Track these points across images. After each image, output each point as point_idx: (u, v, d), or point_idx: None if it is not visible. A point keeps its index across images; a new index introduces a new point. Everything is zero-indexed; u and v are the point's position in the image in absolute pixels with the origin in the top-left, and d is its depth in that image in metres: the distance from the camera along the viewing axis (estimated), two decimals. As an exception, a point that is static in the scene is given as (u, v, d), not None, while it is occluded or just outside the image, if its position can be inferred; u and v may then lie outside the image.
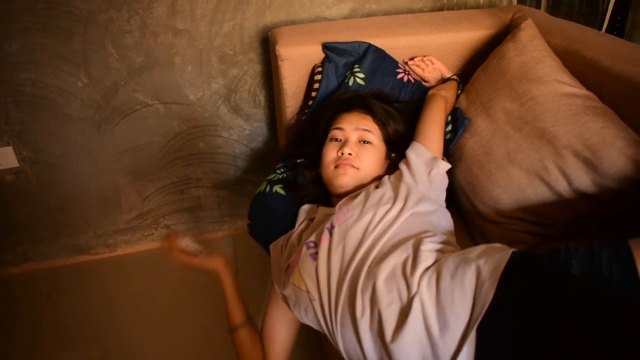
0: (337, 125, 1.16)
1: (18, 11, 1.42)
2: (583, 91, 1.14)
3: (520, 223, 1.15)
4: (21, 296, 1.80)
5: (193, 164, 1.84)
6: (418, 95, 1.39)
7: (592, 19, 1.78)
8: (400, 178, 1.06)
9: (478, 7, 1.77)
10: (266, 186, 1.27)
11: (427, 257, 0.85)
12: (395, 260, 0.86)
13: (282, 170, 1.30)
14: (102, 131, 1.68)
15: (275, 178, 1.28)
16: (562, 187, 1.10)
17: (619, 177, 1.04)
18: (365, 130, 1.14)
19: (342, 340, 0.87)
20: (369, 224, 0.93)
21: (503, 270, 0.76)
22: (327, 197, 1.19)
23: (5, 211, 1.76)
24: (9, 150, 1.63)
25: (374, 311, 0.82)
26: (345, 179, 1.08)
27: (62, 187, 1.76)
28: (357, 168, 1.10)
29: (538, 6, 1.83)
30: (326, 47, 1.39)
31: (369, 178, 1.12)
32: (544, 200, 1.12)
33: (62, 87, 1.57)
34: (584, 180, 1.07)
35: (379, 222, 0.93)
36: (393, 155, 1.19)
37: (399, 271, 0.84)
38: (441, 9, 1.74)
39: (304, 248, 0.98)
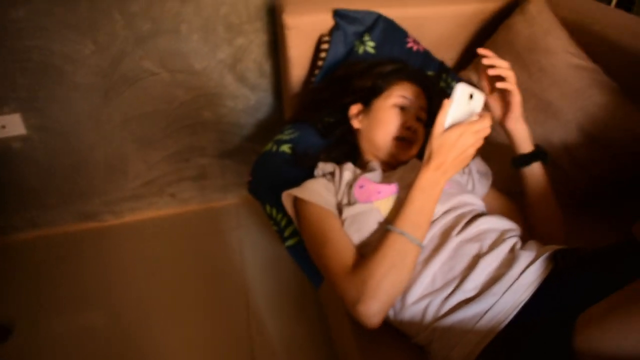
0: (404, 94, 1.10)
1: (24, -23, 1.41)
2: (590, 64, 1.15)
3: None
4: (29, 261, 1.83)
5: (198, 133, 1.84)
6: (426, 66, 1.39)
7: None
8: None
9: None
10: (272, 146, 1.27)
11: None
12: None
13: (291, 131, 1.29)
14: (109, 98, 1.68)
15: (283, 138, 1.28)
16: (564, 161, 1.12)
17: (620, 152, 1.07)
18: (424, 108, 1.12)
19: None
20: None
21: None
22: (352, 155, 1.17)
23: (13, 178, 1.77)
24: (16, 118, 1.63)
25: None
26: (408, 155, 1.07)
27: (69, 154, 1.77)
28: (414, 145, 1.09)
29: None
30: (337, 13, 1.38)
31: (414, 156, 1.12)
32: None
33: (69, 55, 1.57)
34: (584, 154, 1.10)
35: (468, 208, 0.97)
36: None
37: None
38: (449, -20, 1.73)
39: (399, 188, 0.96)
